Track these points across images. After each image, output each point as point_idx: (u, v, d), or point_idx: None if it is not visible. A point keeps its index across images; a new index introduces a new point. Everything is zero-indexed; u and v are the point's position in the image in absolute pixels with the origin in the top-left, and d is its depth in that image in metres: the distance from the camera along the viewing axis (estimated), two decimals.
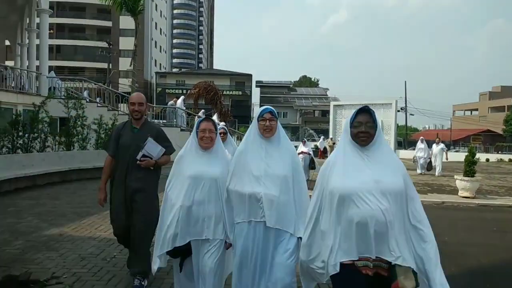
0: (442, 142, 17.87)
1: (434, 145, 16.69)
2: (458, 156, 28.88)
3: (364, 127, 2.20)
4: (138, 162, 3.67)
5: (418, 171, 16.35)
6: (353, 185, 2.13)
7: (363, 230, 2.11)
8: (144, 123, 3.90)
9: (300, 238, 2.59)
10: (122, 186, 3.76)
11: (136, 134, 3.80)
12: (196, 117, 20.36)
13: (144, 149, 3.68)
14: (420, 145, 16.65)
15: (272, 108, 2.87)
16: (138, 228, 3.74)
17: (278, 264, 2.68)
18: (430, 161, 16.11)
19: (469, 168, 10.26)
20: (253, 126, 2.85)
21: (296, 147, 13.09)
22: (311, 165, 12.82)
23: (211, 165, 2.97)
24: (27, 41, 20.11)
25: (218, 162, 3.01)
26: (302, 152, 12.76)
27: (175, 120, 19.43)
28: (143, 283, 3.71)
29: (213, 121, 3.11)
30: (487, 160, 29.84)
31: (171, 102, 20.89)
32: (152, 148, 3.71)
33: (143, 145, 3.68)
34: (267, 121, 2.78)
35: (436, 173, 15.89)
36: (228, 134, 5.55)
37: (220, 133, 5.24)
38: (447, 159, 17.56)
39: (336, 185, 2.19)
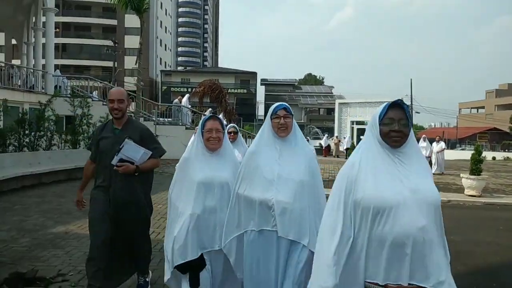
0: (448, 140, 17.76)
1: (434, 144, 16.58)
2: (464, 154, 28.73)
3: (397, 125, 1.84)
4: (114, 167, 3.21)
5: None
6: (387, 195, 1.76)
7: (397, 253, 1.74)
8: (127, 122, 3.41)
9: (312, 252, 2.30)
10: (106, 196, 3.29)
11: (118, 136, 3.33)
12: (202, 116, 20.42)
13: (121, 152, 3.21)
14: (422, 143, 16.29)
15: (287, 105, 2.60)
16: (127, 239, 3.41)
17: (289, 277, 2.44)
18: (430, 160, 15.96)
19: (475, 166, 10.19)
20: (266, 125, 2.60)
21: None
22: None
23: (220, 168, 2.76)
24: (33, 39, 20.21)
25: (228, 164, 2.80)
26: None
27: (180, 119, 19.47)
28: (147, 279, 3.69)
29: (219, 120, 2.85)
30: (494, 158, 29.63)
31: (176, 100, 20.94)
32: (132, 151, 3.24)
33: (119, 147, 3.21)
34: (282, 118, 2.52)
35: (433, 171, 15.61)
36: (239, 134, 5.31)
37: (230, 133, 4.96)
38: (437, 152, 16.75)
39: (369, 195, 1.79)
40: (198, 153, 2.79)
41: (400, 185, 1.79)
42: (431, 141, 16.98)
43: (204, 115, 24.88)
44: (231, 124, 5.07)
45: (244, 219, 2.57)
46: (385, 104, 1.91)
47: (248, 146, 5.16)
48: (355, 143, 14.95)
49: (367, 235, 1.79)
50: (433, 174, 14.82)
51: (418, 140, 16.27)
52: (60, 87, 18.60)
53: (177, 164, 2.91)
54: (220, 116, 20.95)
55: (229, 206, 2.66)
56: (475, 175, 10.17)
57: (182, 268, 2.68)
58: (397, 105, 1.89)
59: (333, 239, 1.84)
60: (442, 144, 16.72)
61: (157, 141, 3.58)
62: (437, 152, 16.27)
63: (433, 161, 16.12)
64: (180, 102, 20.03)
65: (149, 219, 3.51)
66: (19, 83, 16.71)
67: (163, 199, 7.69)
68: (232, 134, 4.98)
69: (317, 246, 1.94)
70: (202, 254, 2.68)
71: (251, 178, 2.54)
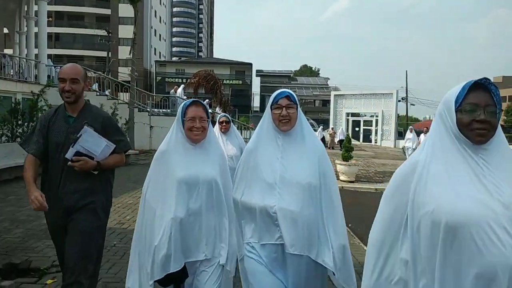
0: None
1: (422, 135, 15.97)
2: None
3: (483, 113, 1.33)
4: (69, 163, 2.53)
5: None
6: (469, 208, 1.27)
7: (488, 286, 1.25)
8: (84, 109, 2.71)
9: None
10: (55, 201, 2.56)
11: (72, 126, 2.63)
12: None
13: (78, 143, 2.53)
14: (409, 135, 16.05)
15: (291, 92, 2.19)
16: (73, 255, 2.54)
17: None
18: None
19: None
20: (266, 116, 2.20)
21: None
22: None
23: (206, 163, 2.32)
24: (25, 29, 19.91)
25: (214, 158, 2.38)
26: None
27: (176, 109, 19.39)
28: None
29: (203, 105, 2.39)
30: None
31: (172, 91, 20.85)
32: (92, 142, 2.58)
33: (75, 137, 2.55)
34: (284, 109, 2.11)
35: None
36: (232, 123, 4.90)
37: (222, 123, 4.68)
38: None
39: (441, 205, 1.30)
40: (178, 146, 2.33)
41: (487, 195, 1.29)
42: (418, 133, 16.94)
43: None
44: (222, 114, 4.87)
45: (244, 228, 2.22)
46: (464, 84, 1.38)
47: (244, 138, 4.85)
48: (350, 135, 14.98)
49: (437, 262, 1.30)
50: None
51: (418, 133, 16.28)
52: (52, 77, 18.40)
53: (153, 157, 2.48)
54: (217, 109, 20.98)
55: (224, 206, 2.35)
56: None
57: (163, 281, 2.30)
58: (481, 86, 1.37)
59: (380, 268, 1.46)
60: None
61: (123, 132, 2.94)
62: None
63: None
64: (176, 93, 19.95)
65: (104, 231, 2.78)
66: (11, 73, 16.50)
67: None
68: (224, 124, 4.70)
69: (364, 272, 1.54)
70: (185, 264, 2.28)
71: (249, 181, 2.16)
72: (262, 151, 2.17)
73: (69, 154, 2.54)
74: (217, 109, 20.06)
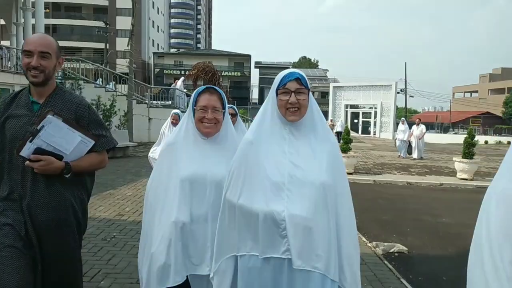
0: (442, 124, 17.47)
1: (414, 127, 15.36)
2: (457, 138, 28.95)
3: None
4: (27, 162, 1.93)
5: (402, 154, 15.43)
6: None
7: None
8: (54, 94, 2.07)
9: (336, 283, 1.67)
10: (17, 216, 1.96)
11: (36, 115, 2.01)
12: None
13: (39, 137, 1.90)
14: (401, 126, 15.32)
15: (301, 73, 1.76)
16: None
17: None
18: (410, 144, 15.13)
19: (468, 150, 10.27)
20: (270, 102, 1.79)
21: None
22: None
23: (217, 160, 1.98)
24: (22, 20, 19.78)
25: (228, 155, 1.96)
26: None
27: (172, 101, 19.38)
28: None
29: (219, 93, 2.04)
30: (486, 142, 29.91)
31: (173, 84, 20.87)
32: (61, 137, 1.96)
33: (34, 129, 1.90)
34: (293, 94, 1.71)
35: (415, 156, 14.91)
36: (238, 116, 4.21)
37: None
38: (420, 138, 15.37)
39: None
40: (187, 139, 2.03)
41: None
42: (428, 125, 16.65)
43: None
44: (229, 105, 4.38)
45: (240, 238, 1.76)
46: None
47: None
48: (348, 127, 14.87)
49: None
50: (414, 159, 14.67)
51: (410, 125, 16.07)
52: None
53: (159, 151, 2.18)
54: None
55: (218, 217, 1.86)
56: (467, 158, 10.26)
57: None
58: None
59: None
60: (423, 128, 15.35)
61: (106, 126, 2.27)
62: (417, 136, 15.05)
63: (413, 145, 15.10)
64: (176, 86, 19.96)
65: (79, 258, 2.28)
66: (8, 65, 16.42)
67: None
68: (230, 116, 4.13)
69: None
70: (187, 278, 1.92)
71: (249, 179, 1.75)
72: (265, 144, 1.76)
73: (25, 151, 1.91)
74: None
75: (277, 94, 1.75)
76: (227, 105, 2.08)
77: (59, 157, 1.98)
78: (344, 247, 1.72)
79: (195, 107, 2.01)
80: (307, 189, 1.68)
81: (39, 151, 1.93)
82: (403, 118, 16.31)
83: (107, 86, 18.45)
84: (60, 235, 2.03)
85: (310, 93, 1.80)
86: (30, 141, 1.91)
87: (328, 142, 1.79)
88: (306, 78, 1.76)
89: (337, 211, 1.73)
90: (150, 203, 2.06)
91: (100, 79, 19.01)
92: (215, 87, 2.06)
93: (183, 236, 1.91)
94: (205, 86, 2.06)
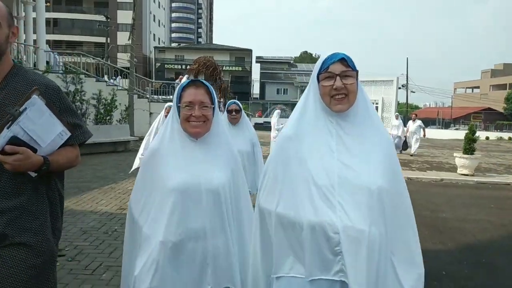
0: (443, 119, 17.30)
1: (410, 122, 14.99)
2: (458, 134, 28.94)
3: None
4: None
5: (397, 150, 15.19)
6: None
7: None
8: (11, 73, 1.65)
9: None
10: None
11: None
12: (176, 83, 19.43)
13: (18, 122, 1.49)
14: (395, 122, 14.67)
15: (346, 54, 1.49)
16: None
17: None
18: (405, 140, 14.53)
19: (469, 145, 10.26)
20: (310, 91, 1.53)
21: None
22: None
23: (211, 165, 1.73)
24: (23, 14, 19.72)
25: (223, 157, 1.78)
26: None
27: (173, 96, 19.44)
28: None
29: (206, 86, 1.77)
30: (487, 138, 29.90)
31: (177, 81, 20.90)
32: (40, 125, 1.56)
33: (15, 111, 1.49)
34: (337, 78, 1.43)
35: (412, 151, 14.44)
36: (243, 112, 3.89)
37: (231, 111, 3.78)
38: (424, 136, 15.44)
39: None
40: (173, 142, 1.74)
41: None
42: (428, 121, 16.41)
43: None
44: (232, 100, 3.88)
45: (278, 256, 1.48)
46: None
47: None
48: None
49: None
50: (412, 155, 14.42)
51: (407, 120, 15.77)
52: (48, 62, 18.31)
53: (142, 157, 1.83)
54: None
55: (252, 231, 1.63)
56: (468, 154, 10.26)
57: None
58: None
59: None
60: (419, 123, 14.77)
61: (78, 115, 1.83)
62: (413, 132, 14.59)
63: (413, 141, 14.60)
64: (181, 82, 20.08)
65: (54, 270, 1.70)
66: None
67: None
68: (234, 113, 3.78)
69: None
70: None
71: (290, 184, 1.46)
72: (308, 140, 1.47)
73: None
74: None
75: (319, 81, 1.48)
76: (229, 101, 1.84)
77: (34, 150, 1.54)
78: (410, 266, 1.44)
79: (179, 104, 1.75)
80: (361, 195, 1.39)
81: (14, 141, 1.48)
82: (397, 113, 16.04)
83: (113, 80, 18.46)
84: (23, 249, 1.56)
85: (357, 79, 1.50)
86: (8, 127, 1.48)
87: (382, 136, 1.52)
88: (351, 59, 1.49)
89: (396, 220, 1.44)
90: (134, 220, 1.75)
91: (107, 76, 19.01)
92: (201, 80, 1.82)
93: (174, 257, 1.63)
94: (190, 80, 1.83)
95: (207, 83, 1.79)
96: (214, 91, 1.81)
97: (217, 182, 1.71)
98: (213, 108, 1.76)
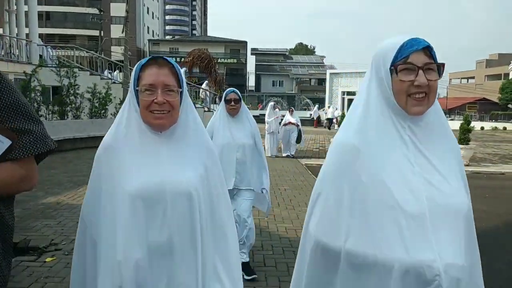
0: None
1: None
2: (454, 124, 29.11)
3: None
4: None
5: None
6: None
7: None
8: None
9: None
10: None
11: None
12: (195, 88, 19.84)
13: None
14: None
15: (426, 41, 1.16)
16: None
17: None
18: None
19: (464, 135, 10.33)
20: (374, 87, 1.20)
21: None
22: (298, 139, 11.62)
23: (178, 165, 1.38)
24: (15, 7, 19.48)
25: (194, 153, 1.42)
26: (289, 123, 11.55)
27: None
28: None
29: (172, 65, 1.38)
30: (482, 128, 30.06)
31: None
32: None
33: None
34: (420, 72, 1.11)
35: None
36: (242, 102, 3.53)
37: (230, 101, 3.36)
38: None
39: None
40: (131, 136, 1.38)
41: None
42: None
43: (197, 86, 24.09)
44: (230, 88, 3.52)
45: None
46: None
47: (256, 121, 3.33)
48: (345, 113, 14.86)
49: None
50: None
51: None
52: (42, 56, 18.15)
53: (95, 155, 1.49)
54: (204, 84, 20.63)
55: (294, 272, 1.33)
56: (463, 144, 10.32)
57: None
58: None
59: None
60: None
61: (34, 115, 1.28)
62: None
63: None
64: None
65: None
66: (2, 53, 16.23)
67: None
68: (233, 103, 3.36)
69: None
70: None
71: (364, 210, 1.12)
72: (379, 150, 1.14)
73: None
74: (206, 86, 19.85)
75: (391, 74, 1.14)
76: (227, 89, 1.38)
77: None
78: None
79: (137, 88, 1.35)
80: (453, 220, 1.10)
81: None
82: None
83: (109, 74, 18.34)
84: None
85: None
86: None
87: (453, 142, 1.24)
88: (432, 46, 1.17)
89: (474, 247, 1.20)
90: (86, 225, 1.40)
91: (106, 70, 18.85)
92: (163, 56, 1.41)
93: (139, 278, 1.30)
94: (150, 57, 1.43)
95: (172, 61, 1.40)
96: (181, 71, 1.43)
97: (186, 184, 1.35)
98: (181, 92, 1.38)
